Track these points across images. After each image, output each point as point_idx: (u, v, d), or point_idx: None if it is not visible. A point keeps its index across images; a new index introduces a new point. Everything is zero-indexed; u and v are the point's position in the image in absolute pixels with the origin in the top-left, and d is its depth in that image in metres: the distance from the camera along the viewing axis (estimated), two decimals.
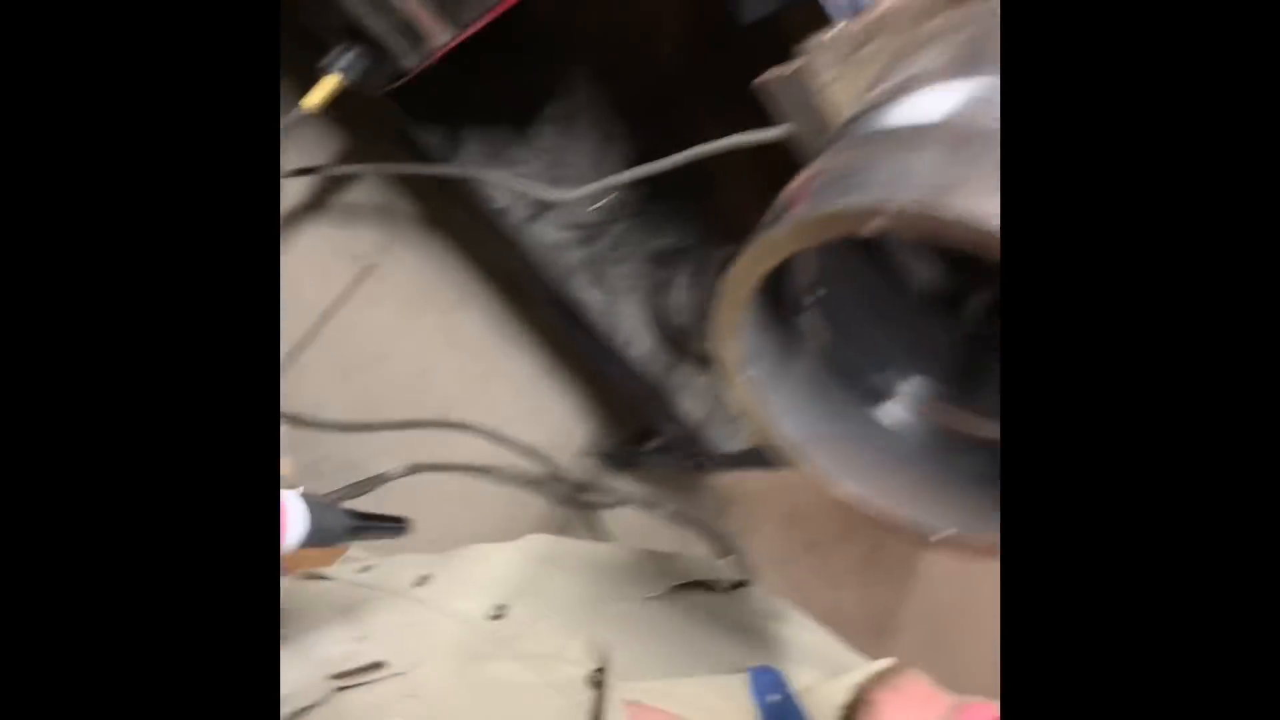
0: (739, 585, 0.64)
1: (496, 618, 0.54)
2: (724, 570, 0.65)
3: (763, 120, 0.45)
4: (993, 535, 0.30)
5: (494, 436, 1.07)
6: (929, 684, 0.44)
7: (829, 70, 0.34)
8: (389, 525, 0.56)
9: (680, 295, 1.06)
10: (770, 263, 0.28)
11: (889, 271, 0.38)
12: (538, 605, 0.55)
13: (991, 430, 0.34)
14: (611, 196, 0.99)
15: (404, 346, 1.05)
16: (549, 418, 1.11)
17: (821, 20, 0.65)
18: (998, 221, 0.22)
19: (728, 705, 0.48)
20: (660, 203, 1.06)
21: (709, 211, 1.07)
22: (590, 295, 1.00)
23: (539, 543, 0.63)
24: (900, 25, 0.32)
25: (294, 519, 0.46)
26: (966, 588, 1.61)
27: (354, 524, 0.52)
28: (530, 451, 1.11)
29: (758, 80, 0.41)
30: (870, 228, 0.25)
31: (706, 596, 0.62)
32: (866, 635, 1.51)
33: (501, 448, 1.08)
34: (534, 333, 1.08)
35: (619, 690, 0.46)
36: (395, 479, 1.01)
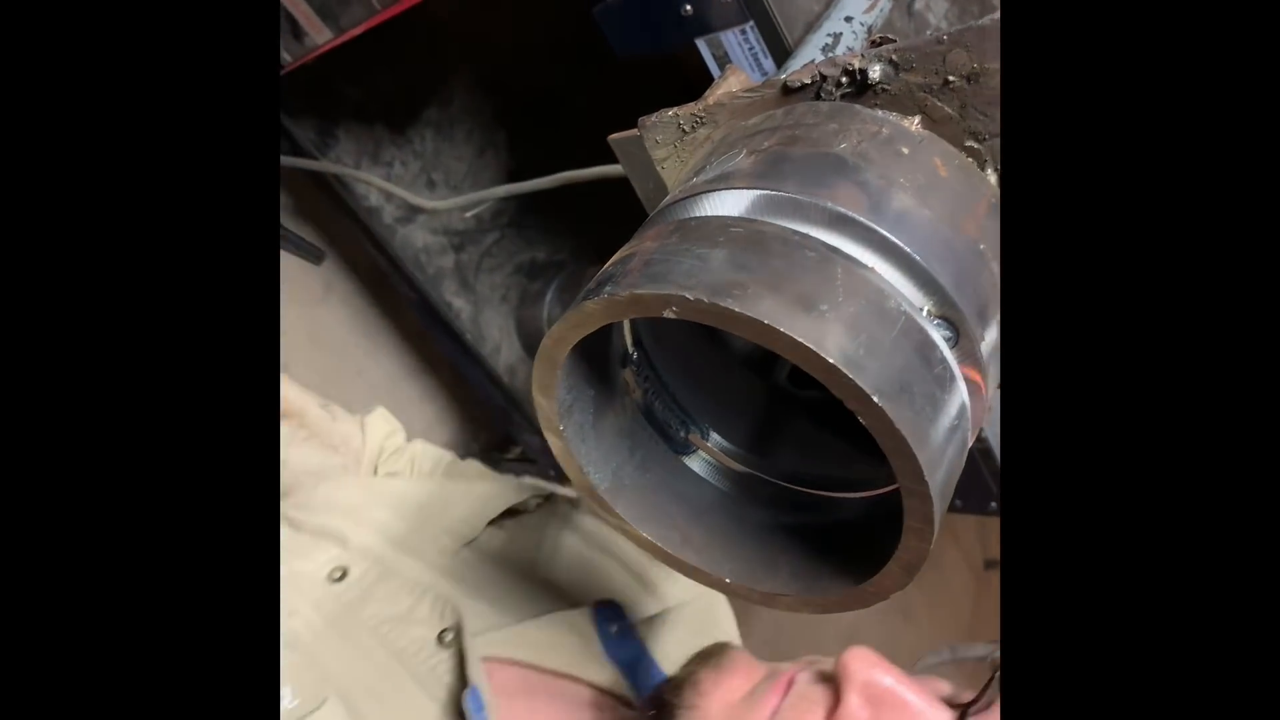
0: (546, 500, 0.66)
1: (338, 580, 0.55)
2: (528, 488, 0.67)
3: None
4: (769, 586, 0.34)
5: None
6: (749, 659, 0.47)
7: (662, 149, 0.37)
8: (306, 245, 0.58)
9: (550, 308, 1.08)
10: (584, 331, 0.30)
11: (711, 335, 0.41)
12: (373, 564, 0.56)
13: (783, 485, 0.38)
14: (484, 206, 0.99)
15: None
16: (409, 421, 1.11)
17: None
18: (768, 318, 0.26)
19: (575, 639, 0.52)
20: (535, 215, 1.07)
21: (583, 229, 1.09)
22: (459, 301, 1.00)
23: (355, 491, 0.64)
24: (723, 118, 0.35)
25: None
26: None
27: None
28: None
29: (609, 137, 0.43)
30: (667, 313, 0.28)
31: (518, 521, 0.64)
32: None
33: None
34: (398, 334, 1.08)
35: (476, 647, 0.48)
36: None
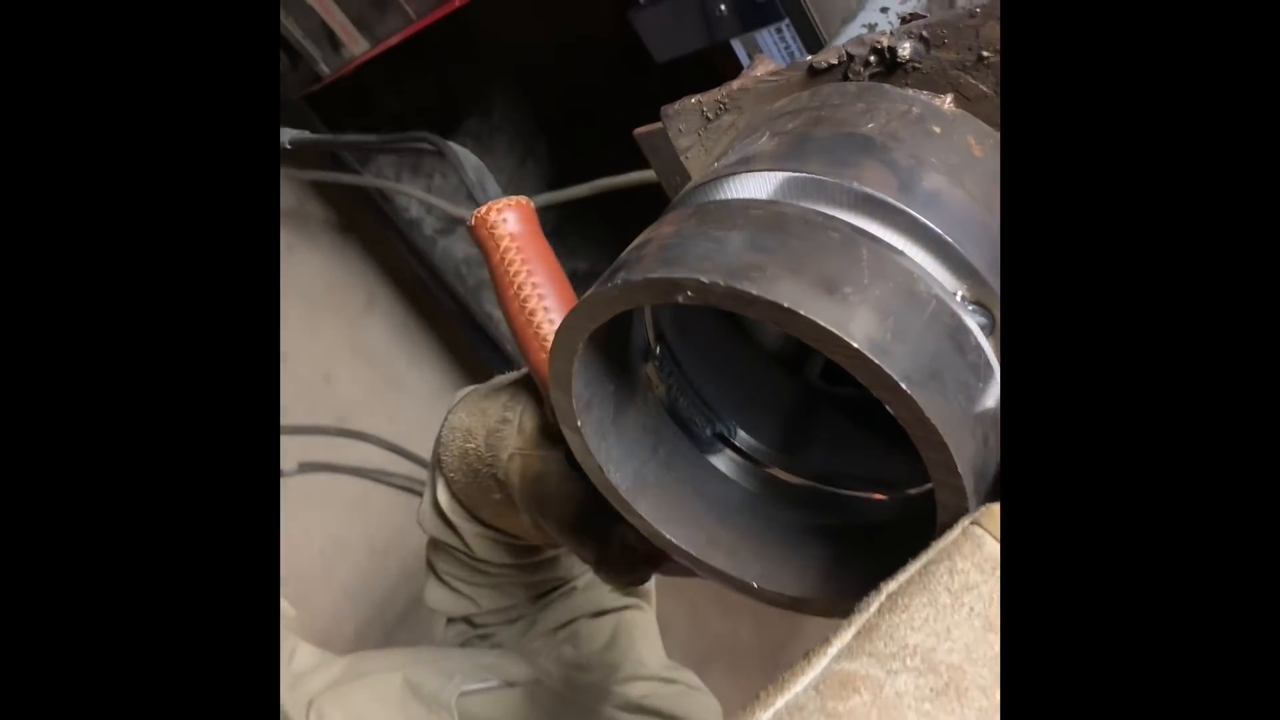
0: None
1: None
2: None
3: None
4: (799, 590, 0.32)
5: (392, 447, 1.06)
6: None
7: (685, 137, 0.36)
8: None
9: None
10: (598, 320, 0.29)
11: (738, 328, 0.40)
12: None
13: (814, 485, 0.36)
14: None
15: (307, 348, 1.04)
16: None
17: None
18: (788, 301, 0.25)
19: None
20: (576, 225, 1.07)
21: (624, 238, 1.08)
22: (499, 312, 1.00)
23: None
24: (747, 103, 0.34)
25: None
26: None
27: None
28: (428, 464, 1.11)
29: (635, 131, 0.42)
30: (682, 298, 0.26)
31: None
32: (761, 664, 1.53)
33: (400, 458, 1.08)
34: (440, 345, 1.09)
35: None
36: (287, 476, 1.00)
